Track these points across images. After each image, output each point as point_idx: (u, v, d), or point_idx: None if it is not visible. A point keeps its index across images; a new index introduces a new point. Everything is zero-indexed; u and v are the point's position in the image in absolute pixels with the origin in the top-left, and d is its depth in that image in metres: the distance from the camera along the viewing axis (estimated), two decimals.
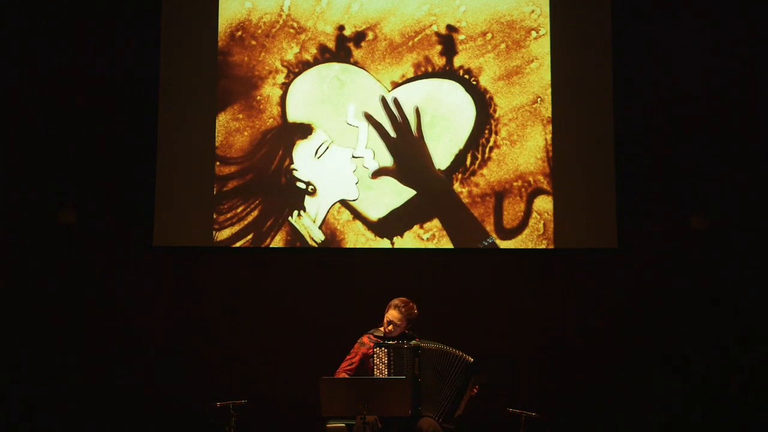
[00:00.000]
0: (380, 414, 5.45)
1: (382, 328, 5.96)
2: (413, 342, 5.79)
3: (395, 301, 5.93)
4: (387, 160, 7.65)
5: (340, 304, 7.47)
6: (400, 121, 7.63)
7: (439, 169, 7.63)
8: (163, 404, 7.41)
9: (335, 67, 7.76)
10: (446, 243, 7.61)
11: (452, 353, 5.80)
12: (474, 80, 7.73)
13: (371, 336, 5.97)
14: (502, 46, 7.75)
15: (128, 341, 7.49)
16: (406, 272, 7.55)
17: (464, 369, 5.77)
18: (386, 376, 5.70)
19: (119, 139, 7.68)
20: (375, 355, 5.77)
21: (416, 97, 7.70)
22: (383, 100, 7.66)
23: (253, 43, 7.77)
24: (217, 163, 7.66)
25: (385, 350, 5.75)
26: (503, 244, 7.61)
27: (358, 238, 7.62)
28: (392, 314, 5.87)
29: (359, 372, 5.91)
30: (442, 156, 7.66)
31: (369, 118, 7.62)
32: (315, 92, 7.72)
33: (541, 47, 7.75)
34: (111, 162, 7.66)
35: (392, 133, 7.63)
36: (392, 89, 7.71)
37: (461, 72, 7.73)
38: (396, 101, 7.65)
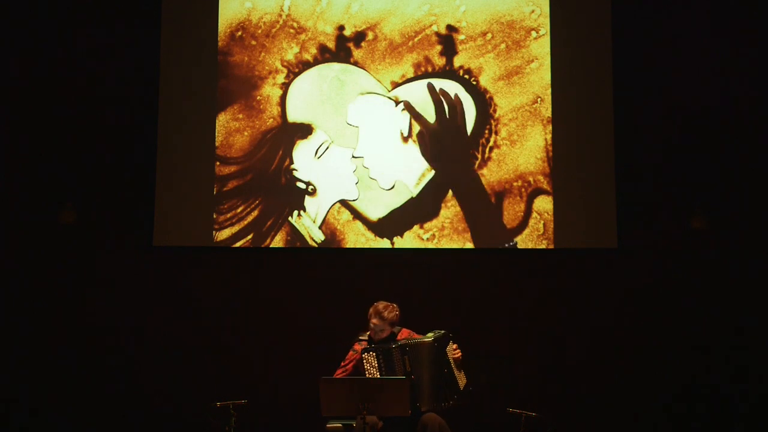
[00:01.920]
0: (380, 414, 5.45)
1: (369, 332, 5.97)
2: (401, 342, 5.78)
3: (377, 307, 5.91)
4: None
5: (340, 304, 7.46)
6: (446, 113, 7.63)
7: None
8: (163, 404, 7.41)
9: (335, 67, 7.76)
10: (446, 243, 7.61)
11: (421, 341, 5.77)
12: (474, 80, 7.73)
13: (360, 342, 5.97)
14: (502, 46, 7.76)
15: (128, 341, 7.49)
16: (406, 272, 7.55)
17: (434, 349, 5.75)
18: (374, 377, 5.69)
19: (119, 139, 7.68)
20: (365, 360, 5.75)
21: (416, 97, 7.70)
22: (430, 87, 7.65)
23: (253, 43, 7.77)
24: (217, 163, 7.66)
25: (374, 354, 5.75)
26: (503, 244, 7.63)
27: (358, 238, 7.62)
28: (375, 322, 5.89)
29: None
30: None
31: (409, 107, 7.62)
32: (315, 92, 7.72)
33: (541, 47, 7.75)
34: (111, 162, 7.66)
35: (432, 121, 7.63)
36: (392, 89, 7.71)
37: (461, 72, 7.73)
38: (443, 90, 7.65)
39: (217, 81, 7.73)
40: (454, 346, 5.81)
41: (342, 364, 5.96)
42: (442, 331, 5.83)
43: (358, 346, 5.94)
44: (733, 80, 7.74)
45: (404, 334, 5.95)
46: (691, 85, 7.74)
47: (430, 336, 5.80)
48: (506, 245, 7.58)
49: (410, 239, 7.61)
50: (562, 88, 7.70)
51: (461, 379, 5.78)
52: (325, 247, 7.62)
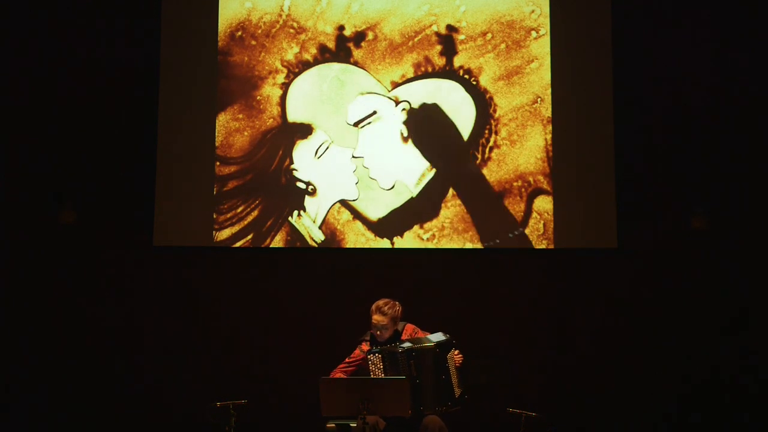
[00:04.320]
0: (380, 414, 5.44)
1: (371, 331, 5.94)
2: (406, 345, 5.75)
3: (378, 303, 5.88)
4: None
5: (340, 304, 7.46)
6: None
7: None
8: (163, 404, 7.41)
9: (335, 67, 7.76)
10: (446, 243, 7.60)
11: (425, 347, 5.74)
12: (474, 80, 7.73)
13: (366, 342, 5.95)
14: (502, 46, 7.76)
15: (128, 341, 7.49)
16: (406, 272, 7.55)
17: (436, 354, 5.72)
18: (374, 377, 5.68)
19: (119, 139, 7.68)
20: (369, 362, 5.73)
21: (416, 97, 7.71)
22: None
23: (253, 43, 7.77)
24: (217, 163, 7.66)
25: (379, 356, 5.72)
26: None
27: (358, 238, 7.62)
28: (377, 319, 5.84)
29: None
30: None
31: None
32: (315, 92, 7.72)
33: (541, 47, 7.75)
34: (111, 162, 7.66)
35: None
36: (392, 89, 7.71)
37: (461, 72, 7.73)
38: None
39: (217, 81, 7.73)
40: (456, 352, 5.80)
41: (347, 360, 5.94)
42: (447, 336, 5.81)
43: (365, 346, 5.91)
44: (733, 80, 7.74)
45: (408, 329, 5.92)
46: (691, 84, 7.74)
47: (434, 339, 5.78)
48: (510, 235, 7.58)
49: (410, 239, 7.61)
50: (562, 88, 7.70)
51: (457, 387, 5.75)
52: (325, 247, 7.61)
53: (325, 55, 7.76)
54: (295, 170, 7.67)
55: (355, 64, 7.74)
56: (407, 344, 5.75)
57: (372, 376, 5.69)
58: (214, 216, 7.62)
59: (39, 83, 7.68)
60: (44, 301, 7.51)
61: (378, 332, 5.84)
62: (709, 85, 7.73)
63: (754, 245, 7.60)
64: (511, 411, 6.02)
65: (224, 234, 7.62)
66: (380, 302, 5.89)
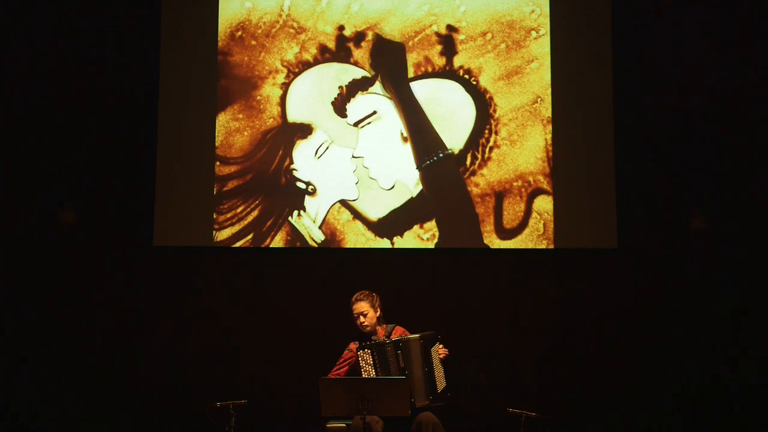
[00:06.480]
0: (380, 414, 5.45)
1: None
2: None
3: (355, 296, 5.97)
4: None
5: (340, 304, 7.44)
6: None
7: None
8: (163, 404, 7.41)
9: (335, 67, 7.76)
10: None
11: (410, 338, 5.80)
12: (474, 80, 7.73)
13: (354, 342, 5.97)
14: (502, 46, 7.76)
15: (128, 341, 7.49)
16: (406, 272, 7.55)
17: (420, 346, 5.76)
18: (375, 377, 5.70)
19: (119, 139, 7.68)
20: (360, 358, 5.76)
21: (416, 96, 7.70)
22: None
23: (253, 43, 7.77)
24: (217, 163, 7.67)
25: (369, 351, 5.76)
26: (503, 244, 7.61)
27: (358, 238, 7.62)
28: (358, 306, 5.92)
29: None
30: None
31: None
32: (315, 92, 7.73)
33: (541, 47, 7.75)
34: (111, 162, 7.66)
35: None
36: None
37: (461, 72, 7.73)
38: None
39: (217, 81, 7.73)
40: (440, 346, 5.83)
41: (338, 362, 5.97)
42: (431, 332, 5.85)
43: (353, 345, 5.94)
44: (733, 80, 7.74)
45: (398, 332, 5.97)
46: (691, 84, 7.74)
47: (417, 335, 5.82)
48: (440, 155, 7.58)
49: (410, 239, 7.61)
50: (562, 88, 7.70)
51: (440, 382, 5.78)
52: (325, 247, 7.62)
53: (325, 55, 7.76)
54: (295, 170, 7.68)
55: (355, 64, 7.74)
56: (395, 338, 5.83)
57: (363, 373, 5.72)
58: (214, 216, 7.62)
59: (39, 83, 7.68)
60: (44, 301, 7.51)
61: (361, 321, 5.88)
62: (709, 84, 7.73)
63: (754, 245, 7.59)
64: (511, 411, 6.02)
65: (224, 234, 7.62)
66: (357, 294, 6.00)
